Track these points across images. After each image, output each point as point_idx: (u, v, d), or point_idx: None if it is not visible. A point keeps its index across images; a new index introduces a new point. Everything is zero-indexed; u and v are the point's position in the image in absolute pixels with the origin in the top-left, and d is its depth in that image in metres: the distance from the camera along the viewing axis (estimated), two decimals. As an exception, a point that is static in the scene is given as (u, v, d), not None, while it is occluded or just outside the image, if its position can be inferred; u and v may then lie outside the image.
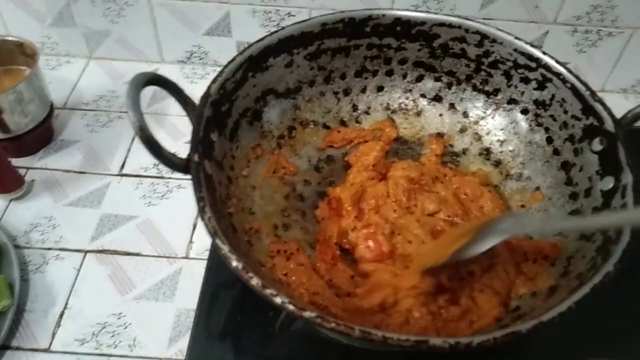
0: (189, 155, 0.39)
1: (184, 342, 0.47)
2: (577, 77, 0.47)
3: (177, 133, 0.65)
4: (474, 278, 0.43)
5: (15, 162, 0.58)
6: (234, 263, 0.34)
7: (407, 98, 0.56)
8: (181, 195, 0.59)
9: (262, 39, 0.48)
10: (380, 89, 0.56)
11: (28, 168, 0.61)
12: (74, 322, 0.49)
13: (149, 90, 0.67)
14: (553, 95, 0.49)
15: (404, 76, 0.55)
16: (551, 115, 0.49)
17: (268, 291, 0.33)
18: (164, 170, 0.61)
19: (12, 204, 0.58)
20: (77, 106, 0.68)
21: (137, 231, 0.56)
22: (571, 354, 0.45)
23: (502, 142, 0.53)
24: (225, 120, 0.46)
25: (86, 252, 0.54)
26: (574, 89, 0.46)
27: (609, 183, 0.42)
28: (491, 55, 0.51)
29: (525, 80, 0.50)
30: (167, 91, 0.41)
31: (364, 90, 0.56)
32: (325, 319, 0.32)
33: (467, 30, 0.50)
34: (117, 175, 0.61)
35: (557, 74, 0.48)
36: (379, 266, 0.44)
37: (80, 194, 0.59)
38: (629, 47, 0.68)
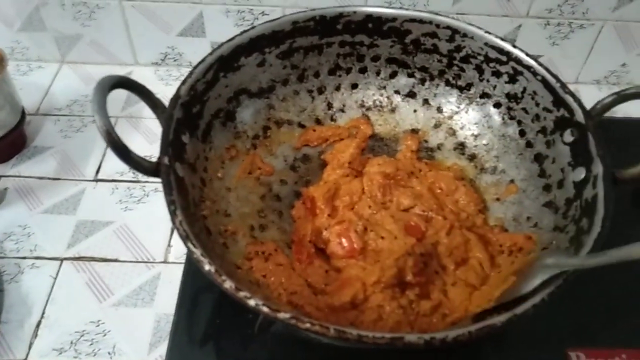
0: (159, 158, 0.38)
1: (164, 348, 0.47)
2: (547, 69, 0.47)
3: (152, 136, 0.64)
4: (446, 272, 0.43)
5: (-14, 170, 0.57)
6: (207, 267, 0.34)
7: (381, 95, 0.56)
8: (158, 199, 0.58)
9: (232, 38, 0.48)
10: (354, 86, 0.56)
11: (0, 176, 0.60)
12: (51, 332, 0.49)
13: (123, 94, 0.66)
14: (524, 88, 0.49)
15: (378, 73, 0.55)
16: (523, 108, 0.50)
17: (242, 294, 0.33)
18: (140, 174, 0.60)
19: (-15, 214, 0.57)
20: (50, 112, 0.67)
21: (114, 237, 0.55)
22: (550, 345, 0.46)
23: (476, 136, 0.53)
24: (196, 121, 0.45)
25: (62, 259, 0.53)
26: (544, 82, 0.47)
27: (580, 174, 0.43)
28: (462, 50, 0.51)
29: (497, 74, 0.51)
30: (135, 94, 0.41)
31: (338, 88, 0.56)
32: (300, 320, 0.32)
33: (438, 26, 0.51)
34: (93, 180, 0.60)
35: (528, 67, 0.48)
36: (349, 262, 0.44)
37: (55, 201, 0.58)
38: (600, 38, 0.69)
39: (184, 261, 0.52)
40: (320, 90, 0.55)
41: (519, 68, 0.49)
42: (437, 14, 0.51)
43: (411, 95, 0.56)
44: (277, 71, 0.52)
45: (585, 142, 0.43)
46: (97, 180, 0.60)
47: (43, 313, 0.50)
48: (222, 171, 0.48)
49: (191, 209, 0.40)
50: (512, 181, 0.50)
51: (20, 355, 0.47)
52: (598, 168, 0.41)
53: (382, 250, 0.44)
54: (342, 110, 0.56)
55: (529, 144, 0.50)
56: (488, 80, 0.52)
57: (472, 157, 0.53)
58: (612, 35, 0.69)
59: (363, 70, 0.55)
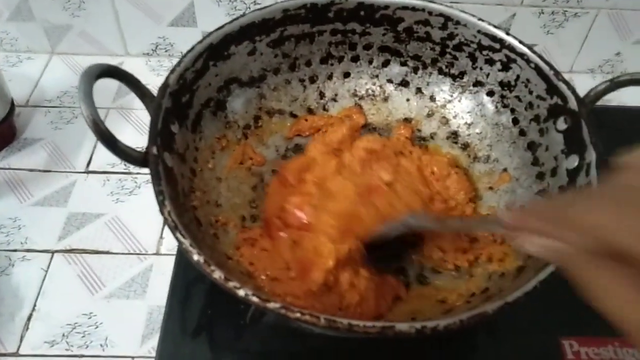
0: (147, 148, 0.38)
1: (156, 340, 0.46)
2: (540, 57, 0.46)
3: (144, 127, 0.64)
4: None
5: (-25, 163, 0.56)
6: (195, 257, 0.33)
7: (374, 84, 0.56)
8: (150, 191, 0.56)
9: (222, 26, 0.47)
10: (346, 75, 0.55)
11: (-10, 168, 0.59)
12: (42, 324, 0.48)
13: (114, 85, 0.66)
14: (518, 76, 0.49)
15: (370, 61, 0.55)
16: (516, 96, 0.49)
17: (231, 284, 0.33)
18: (132, 165, 0.60)
19: (-25, 207, 0.56)
20: (40, 103, 0.66)
21: (106, 229, 0.55)
22: (543, 334, 0.46)
23: (469, 125, 0.53)
24: (186, 111, 0.45)
25: (53, 252, 0.53)
26: (537, 69, 0.46)
27: (573, 161, 0.42)
28: (455, 37, 0.51)
29: (490, 62, 0.50)
30: (123, 83, 0.40)
31: (330, 77, 0.55)
32: (290, 309, 0.32)
33: (430, 13, 0.50)
34: (84, 172, 0.60)
35: (521, 55, 0.47)
36: (305, 234, 0.43)
37: (46, 193, 0.57)
38: (595, 27, 0.69)
39: (175, 253, 0.52)
40: (312, 80, 0.55)
41: (512, 56, 0.48)
42: (430, 1, 0.50)
43: (404, 84, 0.55)
44: (268, 60, 0.52)
45: (579, 130, 0.42)
46: (88, 172, 0.60)
47: (34, 306, 0.49)
48: (213, 161, 0.47)
49: (180, 200, 0.40)
50: (505, 170, 0.50)
51: (12, 348, 0.47)
52: (591, 155, 0.40)
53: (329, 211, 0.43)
54: (335, 100, 0.56)
55: (522, 132, 0.49)
56: (481, 68, 0.51)
57: (465, 146, 0.53)
58: (607, 23, 0.68)
59: (355, 59, 0.55)
